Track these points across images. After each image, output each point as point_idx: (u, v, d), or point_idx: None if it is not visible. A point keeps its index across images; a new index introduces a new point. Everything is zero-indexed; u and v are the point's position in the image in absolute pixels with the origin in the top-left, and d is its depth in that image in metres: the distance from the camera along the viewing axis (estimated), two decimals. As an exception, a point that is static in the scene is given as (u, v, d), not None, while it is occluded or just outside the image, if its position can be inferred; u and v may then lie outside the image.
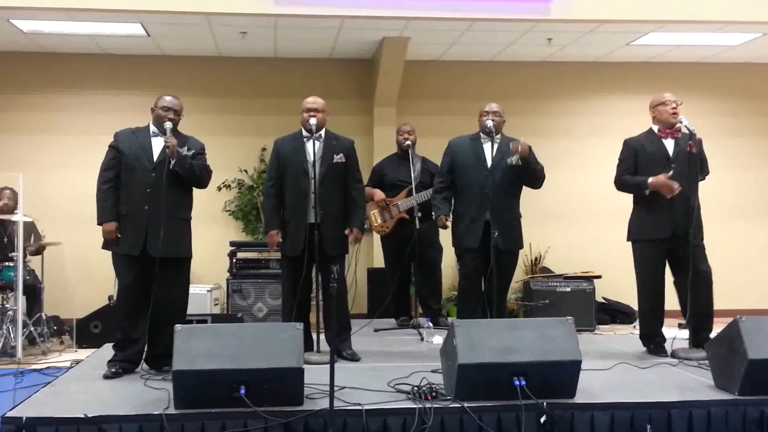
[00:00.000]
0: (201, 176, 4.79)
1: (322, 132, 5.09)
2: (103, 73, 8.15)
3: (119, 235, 4.62)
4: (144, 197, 4.61)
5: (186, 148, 4.70)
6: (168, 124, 4.65)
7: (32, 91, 8.09)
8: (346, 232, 5.05)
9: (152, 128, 4.76)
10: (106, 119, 7.76)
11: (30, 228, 6.82)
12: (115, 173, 4.68)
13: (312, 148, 4.99)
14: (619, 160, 5.33)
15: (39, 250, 6.88)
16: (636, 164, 5.21)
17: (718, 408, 3.81)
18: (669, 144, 5.18)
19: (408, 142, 6.47)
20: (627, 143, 5.33)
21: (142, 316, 4.68)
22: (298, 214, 4.99)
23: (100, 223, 4.65)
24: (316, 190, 4.92)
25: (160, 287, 4.61)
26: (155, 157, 4.68)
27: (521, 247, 5.38)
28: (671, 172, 5.04)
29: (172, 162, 4.60)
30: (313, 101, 5.06)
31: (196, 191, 4.90)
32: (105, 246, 4.71)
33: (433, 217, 5.53)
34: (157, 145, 4.71)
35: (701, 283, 5.04)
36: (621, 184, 5.33)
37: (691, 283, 5.00)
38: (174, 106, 4.73)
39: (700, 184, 5.13)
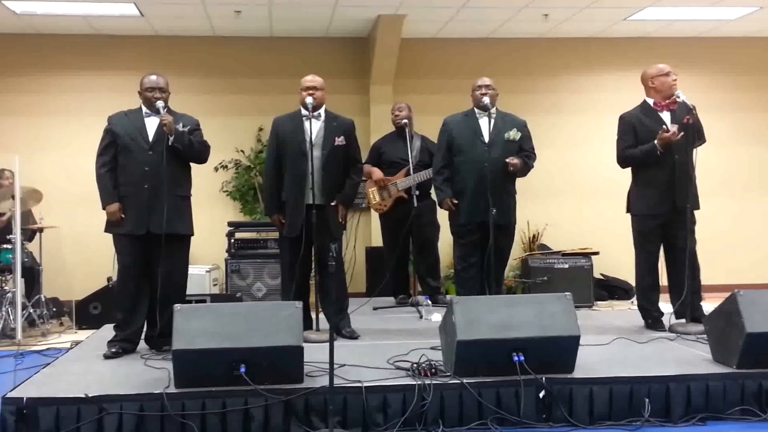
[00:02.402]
0: (200, 151, 4.80)
1: (322, 111, 5.06)
2: (97, 54, 8.09)
3: (122, 216, 4.63)
4: (143, 177, 4.61)
5: (181, 125, 4.69)
6: (159, 103, 4.64)
7: (26, 73, 8.04)
8: (332, 203, 5.03)
9: (144, 109, 4.75)
10: (101, 100, 7.71)
11: (24, 211, 6.79)
12: (111, 156, 4.69)
13: (311, 127, 4.96)
14: (618, 137, 5.30)
15: (32, 235, 6.87)
16: (636, 139, 5.19)
17: (717, 381, 3.84)
18: (665, 117, 5.17)
19: (404, 121, 6.44)
20: (623, 119, 5.30)
21: (141, 296, 4.71)
22: (297, 195, 4.97)
23: (104, 207, 4.67)
24: (314, 169, 4.91)
25: (161, 266, 4.61)
26: (151, 137, 4.67)
27: (516, 221, 5.38)
28: (663, 127, 5.05)
29: (171, 139, 4.59)
30: (312, 79, 5.03)
31: (193, 170, 4.90)
32: (108, 229, 4.71)
33: (436, 199, 5.48)
34: (151, 124, 4.70)
35: (690, 259, 5.06)
36: (626, 159, 5.26)
37: (687, 260, 5.03)
38: (158, 84, 4.71)
39: (699, 155, 5.13)
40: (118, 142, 4.67)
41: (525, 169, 5.26)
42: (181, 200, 4.76)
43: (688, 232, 5.03)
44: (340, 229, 5.14)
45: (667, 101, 5.15)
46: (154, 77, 4.73)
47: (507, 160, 5.11)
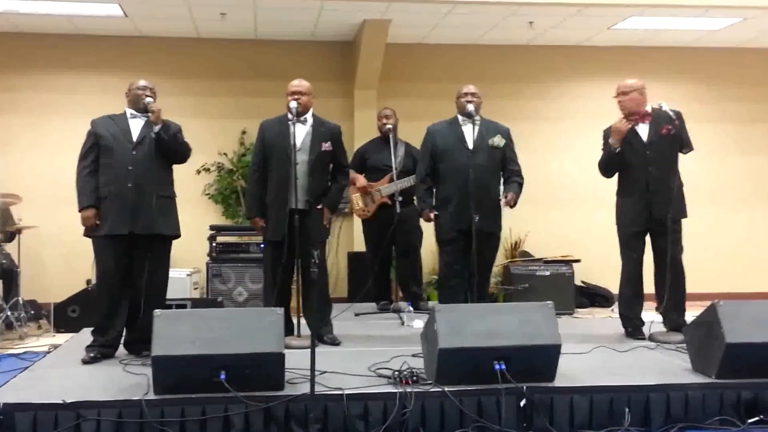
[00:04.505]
0: (183, 149, 4.79)
1: (309, 116, 5.06)
2: (80, 54, 8.02)
3: (98, 222, 4.59)
4: (126, 176, 4.59)
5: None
6: (148, 99, 4.65)
7: (7, 72, 7.95)
8: (318, 206, 5.01)
9: (129, 111, 4.73)
10: (84, 100, 7.68)
11: (3, 212, 6.73)
12: (93, 158, 4.67)
13: (295, 132, 4.94)
14: (601, 150, 5.38)
15: (11, 236, 6.79)
16: None
17: (696, 391, 3.86)
18: (642, 129, 5.21)
19: (388, 127, 6.45)
20: (605, 132, 5.39)
21: (121, 301, 4.66)
22: (281, 199, 4.96)
23: (80, 210, 4.63)
24: (299, 174, 4.89)
25: (142, 267, 4.60)
26: (135, 137, 4.66)
27: (501, 229, 5.39)
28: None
29: (156, 128, 4.57)
30: (298, 84, 5.03)
31: (175, 173, 4.87)
32: (86, 233, 4.67)
33: (418, 208, 5.48)
34: (136, 125, 4.69)
35: (672, 267, 5.09)
36: (602, 167, 5.37)
37: (668, 268, 5.06)
38: (150, 86, 4.74)
39: (683, 165, 5.18)
40: (100, 143, 4.65)
41: (520, 192, 5.27)
42: (166, 200, 4.75)
43: (669, 241, 5.07)
44: (324, 235, 5.13)
45: (635, 116, 5.20)
46: (145, 81, 4.76)
47: (502, 200, 5.15)
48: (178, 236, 4.83)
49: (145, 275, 4.61)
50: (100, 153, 4.65)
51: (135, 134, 4.67)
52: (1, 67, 7.94)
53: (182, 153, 4.81)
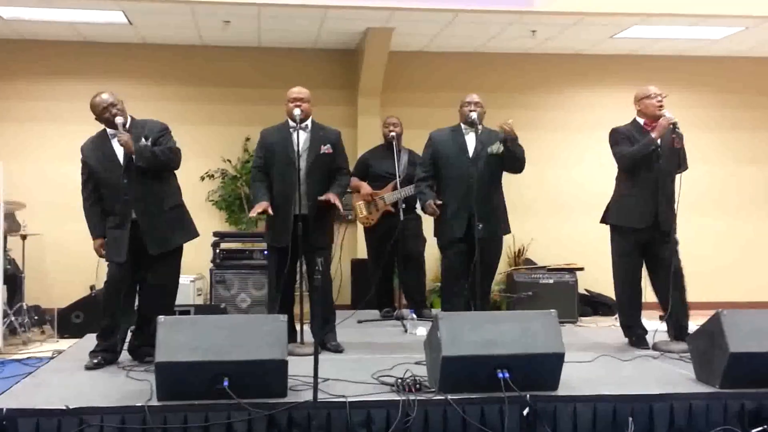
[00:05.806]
0: (167, 160, 4.64)
1: (309, 122, 5.08)
2: (84, 61, 8.05)
3: (104, 252, 4.63)
4: (126, 205, 4.57)
5: (143, 139, 4.56)
6: (119, 120, 4.52)
7: (12, 79, 7.98)
8: (323, 198, 4.94)
9: (108, 132, 4.66)
10: (87, 108, 7.65)
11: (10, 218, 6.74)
12: (92, 188, 4.68)
13: (298, 138, 4.96)
14: (617, 142, 5.24)
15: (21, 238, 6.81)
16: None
17: (699, 401, 3.85)
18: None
19: (393, 134, 6.46)
20: (618, 130, 5.29)
21: (127, 306, 4.68)
22: (284, 205, 4.97)
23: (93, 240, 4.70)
24: (301, 180, 4.91)
25: (153, 274, 4.64)
26: (122, 161, 4.59)
27: (507, 231, 5.34)
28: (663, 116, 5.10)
29: (133, 158, 4.52)
30: (299, 91, 5.05)
31: (179, 179, 4.87)
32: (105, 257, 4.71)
33: (419, 205, 5.46)
34: (119, 147, 4.58)
35: (675, 278, 5.08)
36: (630, 158, 5.15)
37: (671, 277, 5.06)
38: (109, 100, 4.58)
39: (678, 177, 5.18)
40: (92, 173, 4.65)
41: (520, 149, 5.17)
42: (173, 212, 4.75)
43: (671, 251, 5.06)
44: (329, 241, 5.14)
45: (654, 123, 5.19)
46: (104, 95, 4.60)
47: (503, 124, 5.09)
48: (197, 236, 4.91)
49: (159, 283, 4.66)
50: (95, 183, 4.65)
51: (120, 156, 4.59)
52: (5, 74, 7.98)
53: (167, 165, 4.68)
